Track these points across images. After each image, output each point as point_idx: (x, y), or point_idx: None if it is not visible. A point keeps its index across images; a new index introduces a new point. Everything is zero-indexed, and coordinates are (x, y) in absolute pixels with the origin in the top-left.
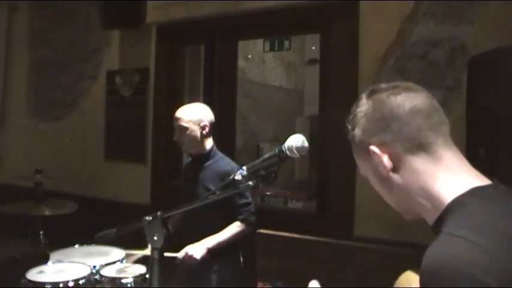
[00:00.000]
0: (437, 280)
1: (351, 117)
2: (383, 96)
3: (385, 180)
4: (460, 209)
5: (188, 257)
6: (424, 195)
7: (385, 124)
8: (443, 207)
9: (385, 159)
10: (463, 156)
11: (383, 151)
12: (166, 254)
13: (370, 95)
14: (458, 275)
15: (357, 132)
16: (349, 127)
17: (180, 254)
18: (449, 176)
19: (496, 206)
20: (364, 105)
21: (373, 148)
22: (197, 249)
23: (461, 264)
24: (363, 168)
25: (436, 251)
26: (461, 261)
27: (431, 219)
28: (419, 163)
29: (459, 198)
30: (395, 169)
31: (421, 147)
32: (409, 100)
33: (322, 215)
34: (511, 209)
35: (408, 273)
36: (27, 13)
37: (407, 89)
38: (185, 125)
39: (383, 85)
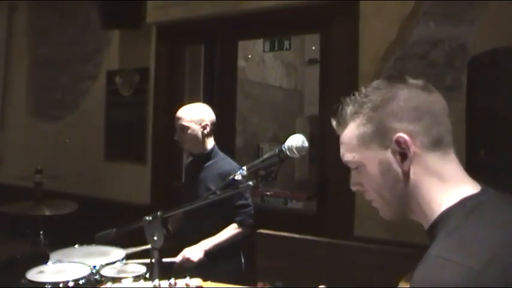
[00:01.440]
0: None
1: (361, 99)
2: (417, 88)
3: (393, 175)
4: (449, 223)
5: (185, 260)
6: (427, 196)
7: (418, 116)
8: (435, 216)
9: (412, 150)
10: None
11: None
12: (164, 260)
13: (396, 82)
14: None
15: (376, 118)
16: (349, 117)
17: (177, 258)
18: (454, 180)
19: (485, 218)
20: (390, 92)
21: (403, 136)
22: (194, 252)
23: None
24: (364, 159)
25: (424, 275)
26: (448, 286)
27: (425, 224)
28: (435, 161)
29: (448, 211)
30: (411, 164)
31: (441, 147)
32: (440, 100)
33: (322, 215)
34: (500, 217)
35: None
36: (27, 13)
37: (435, 90)
38: (186, 124)
39: (411, 80)
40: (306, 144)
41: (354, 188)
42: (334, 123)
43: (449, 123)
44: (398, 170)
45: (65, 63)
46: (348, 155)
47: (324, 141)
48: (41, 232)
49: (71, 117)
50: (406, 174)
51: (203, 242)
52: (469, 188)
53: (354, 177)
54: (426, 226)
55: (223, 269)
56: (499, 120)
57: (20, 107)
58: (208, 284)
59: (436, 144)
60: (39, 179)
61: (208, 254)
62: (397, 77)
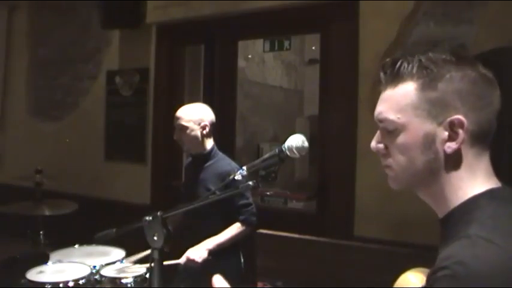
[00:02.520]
0: (461, 281)
1: (425, 63)
2: (485, 79)
3: (430, 151)
4: (479, 210)
5: (190, 261)
6: (450, 186)
7: (480, 105)
8: (456, 203)
9: (461, 138)
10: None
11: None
12: (168, 262)
13: (468, 64)
14: (484, 279)
15: (442, 88)
16: (413, 70)
17: (181, 260)
18: (480, 176)
19: (509, 209)
20: (463, 71)
21: (462, 118)
22: (198, 252)
23: (488, 269)
24: (408, 124)
25: (463, 252)
26: (488, 266)
27: (442, 210)
28: (470, 155)
29: (476, 199)
30: (457, 148)
31: (483, 142)
32: (498, 98)
33: (322, 215)
34: None
35: (406, 276)
36: (27, 13)
37: (497, 86)
38: (185, 124)
39: (481, 67)
40: (306, 144)
41: (374, 147)
42: (382, 75)
43: (496, 122)
44: (440, 149)
45: (65, 63)
46: (391, 114)
47: (324, 141)
48: (41, 232)
49: (71, 117)
50: (446, 156)
51: (206, 241)
52: (493, 182)
53: (382, 137)
54: (442, 212)
55: (223, 269)
56: (499, 120)
57: (20, 107)
58: None
59: (481, 140)
60: (39, 179)
61: (210, 253)
62: (468, 58)
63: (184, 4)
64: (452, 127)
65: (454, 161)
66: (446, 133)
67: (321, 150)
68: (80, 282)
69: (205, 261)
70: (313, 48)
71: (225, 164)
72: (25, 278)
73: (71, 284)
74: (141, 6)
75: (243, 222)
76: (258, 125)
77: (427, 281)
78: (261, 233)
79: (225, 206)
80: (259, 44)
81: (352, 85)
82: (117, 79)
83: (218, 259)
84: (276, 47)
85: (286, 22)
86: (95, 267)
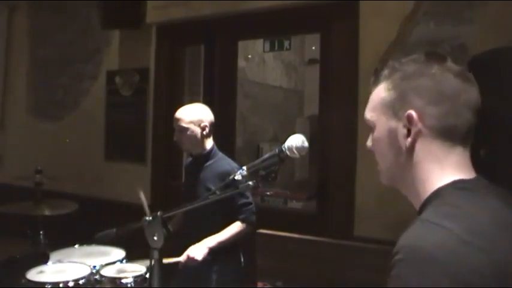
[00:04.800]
0: (409, 263)
1: (391, 68)
2: (451, 73)
3: (397, 146)
4: (439, 198)
5: (190, 259)
6: (423, 178)
7: (440, 99)
8: (425, 196)
9: (417, 129)
10: (468, 156)
11: (419, 120)
12: (169, 260)
13: (433, 61)
14: (430, 260)
15: (400, 87)
16: (384, 78)
17: (182, 258)
18: (452, 169)
19: (475, 199)
20: (424, 68)
21: (413, 113)
22: (198, 250)
23: (435, 250)
24: (377, 122)
25: (411, 235)
26: (435, 247)
27: (416, 203)
28: (439, 149)
29: (440, 189)
30: (414, 142)
31: (451, 137)
32: (470, 92)
33: (322, 215)
34: (489, 203)
35: None
36: (27, 13)
37: (470, 79)
38: (185, 125)
39: (449, 61)
40: (306, 144)
41: (368, 145)
42: (371, 80)
43: (472, 118)
44: (403, 143)
45: (65, 63)
46: (367, 113)
47: (324, 141)
48: (41, 232)
49: (71, 117)
50: (409, 150)
51: (207, 239)
52: (463, 174)
53: (371, 135)
54: (417, 205)
55: (223, 269)
56: (499, 120)
57: (20, 107)
58: None
59: (447, 133)
60: (39, 179)
61: (211, 252)
62: (438, 55)
63: (184, 4)
64: (408, 122)
65: (419, 155)
66: (406, 128)
67: (321, 150)
68: (80, 282)
69: (205, 260)
70: (313, 48)
71: (225, 164)
72: (25, 278)
73: (71, 284)
74: (141, 6)
75: (243, 221)
76: (258, 125)
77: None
78: (261, 233)
79: (225, 205)
80: (259, 44)
81: (352, 85)
82: (117, 79)
83: (218, 259)
84: (276, 47)
85: (286, 22)
86: (95, 267)
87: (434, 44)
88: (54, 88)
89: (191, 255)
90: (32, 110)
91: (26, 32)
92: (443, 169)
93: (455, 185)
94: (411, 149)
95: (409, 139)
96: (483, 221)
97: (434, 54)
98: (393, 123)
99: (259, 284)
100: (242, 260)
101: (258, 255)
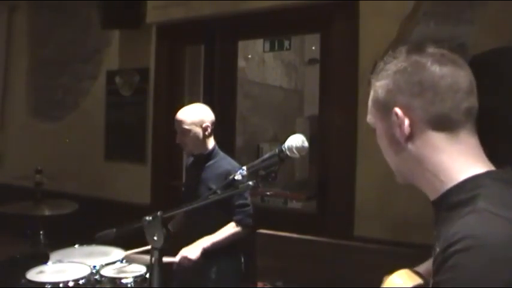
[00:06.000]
0: (471, 253)
1: (379, 68)
2: (427, 61)
3: (396, 143)
4: (484, 188)
5: (184, 259)
6: (434, 170)
7: (420, 90)
8: (452, 184)
9: (406, 125)
10: (480, 147)
11: (406, 115)
12: (164, 260)
13: (412, 53)
14: (492, 250)
15: (385, 86)
16: (374, 79)
17: (176, 258)
18: (465, 159)
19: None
20: (402, 62)
21: (397, 110)
22: (192, 251)
23: (497, 240)
24: (380, 126)
25: (470, 225)
26: (496, 237)
27: (434, 193)
28: (439, 140)
29: (475, 178)
30: (410, 137)
31: (447, 125)
32: (453, 75)
33: (322, 215)
34: None
35: (391, 278)
36: (27, 13)
37: (453, 62)
38: (187, 127)
39: (429, 48)
40: (306, 144)
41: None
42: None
43: (461, 101)
44: (400, 140)
45: (65, 63)
46: (368, 116)
47: (324, 141)
48: (41, 232)
49: (71, 117)
50: (408, 146)
51: (201, 240)
52: (486, 166)
53: None
54: (434, 195)
55: (223, 269)
56: (498, 120)
57: (20, 107)
58: None
59: (440, 123)
60: (39, 179)
61: (208, 253)
62: (417, 46)
63: (184, 4)
64: (398, 119)
65: (420, 149)
66: (397, 125)
67: (321, 150)
68: (80, 282)
69: (201, 260)
70: (313, 48)
71: (226, 163)
72: (25, 278)
73: (71, 284)
74: (141, 6)
75: (238, 223)
76: (258, 125)
77: (434, 262)
78: (261, 233)
79: (223, 205)
80: (259, 44)
81: (352, 85)
82: (117, 79)
83: (219, 259)
84: (276, 47)
85: (286, 22)
86: (95, 267)
87: (434, 44)
88: (54, 88)
89: (184, 254)
90: (32, 110)
91: (26, 32)
92: (454, 161)
93: (493, 175)
94: (410, 144)
95: (404, 135)
96: None
97: (413, 46)
98: (386, 123)
99: (259, 284)
100: (242, 260)
101: (258, 255)
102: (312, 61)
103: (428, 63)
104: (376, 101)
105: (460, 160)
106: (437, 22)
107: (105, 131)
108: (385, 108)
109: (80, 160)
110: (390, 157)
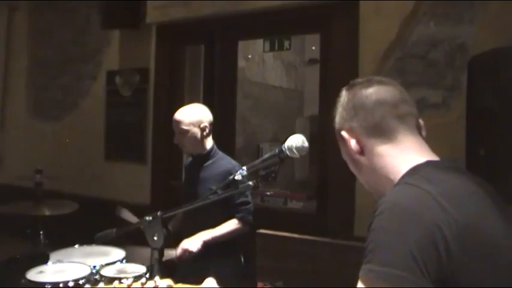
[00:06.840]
0: (388, 215)
1: (335, 107)
2: (356, 88)
3: (356, 162)
4: (415, 173)
5: (184, 251)
6: (385, 173)
7: (354, 113)
8: (399, 177)
9: (353, 143)
10: (425, 144)
11: (352, 136)
12: (164, 258)
13: (348, 88)
14: (407, 213)
15: (336, 120)
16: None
17: (176, 251)
18: (406, 155)
19: (448, 174)
20: (342, 97)
21: (343, 133)
22: (193, 243)
23: (411, 204)
24: (343, 152)
25: (390, 194)
26: (411, 202)
27: (377, 195)
28: (381, 147)
29: (415, 167)
30: (362, 152)
31: (383, 133)
32: (377, 92)
33: (322, 215)
34: (461, 178)
35: None
36: (27, 13)
37: (379, 82)
38: (186, 128)
39: (360, 79)
40: (306, 144)
41: None
42: None
43: (388, 109)
44: (357, 159)
45: (65, 63)
46: (341, 150)
47: (324, 141)
48: (41, 232)
49: (71, 117)
50: (362, 160)
51: (202, 233)
52: (428, 157)
53: None
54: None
55: (223, 269)
56: (498, 120)
57: (20, 107)
58: (180, 285)
59: (375, 132)
60: (39, 179)
61: (207, 253)
62: (352, 81)
63: (184, 4)
64: (347, 141)
65: (373, 162)
66: (350, 147)
67: (321, 150)
68: (80, 282)
69: (199, 251)
70: (313, 48)
71: (225, 163)
72: (25, 278)
73: (71, 284)
74: (141, 6)
75: (239, 220)
76: (258, 125)
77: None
78: (261, 233)
79: (223, 204)
80: (259, 44)
81: None
82: (117, 79)
83: (218, 259)
84: (276, 47)
85: (286, 22)
86: (95, 267)
87: (434, 44)
88: (54, 88)
89: (185, 246)
90: (32, 110)
91: (26, 32)
92: (398, 161)
93: (429, 163)
94: (363, 159)
95: (356, 153)
96: (453, 189)
97: (349, 84)
98: (344, 148)
99: (259, 284)
100: (242, 260)
101: (258, 255)
102: (312, 61)
103: (357, 90)
104: (335, 133)
105: (401, 158)
106: (437, 22)
107: (105, 131)
108: (339, 136)
109: (80, 160)
110: (358, 176)
